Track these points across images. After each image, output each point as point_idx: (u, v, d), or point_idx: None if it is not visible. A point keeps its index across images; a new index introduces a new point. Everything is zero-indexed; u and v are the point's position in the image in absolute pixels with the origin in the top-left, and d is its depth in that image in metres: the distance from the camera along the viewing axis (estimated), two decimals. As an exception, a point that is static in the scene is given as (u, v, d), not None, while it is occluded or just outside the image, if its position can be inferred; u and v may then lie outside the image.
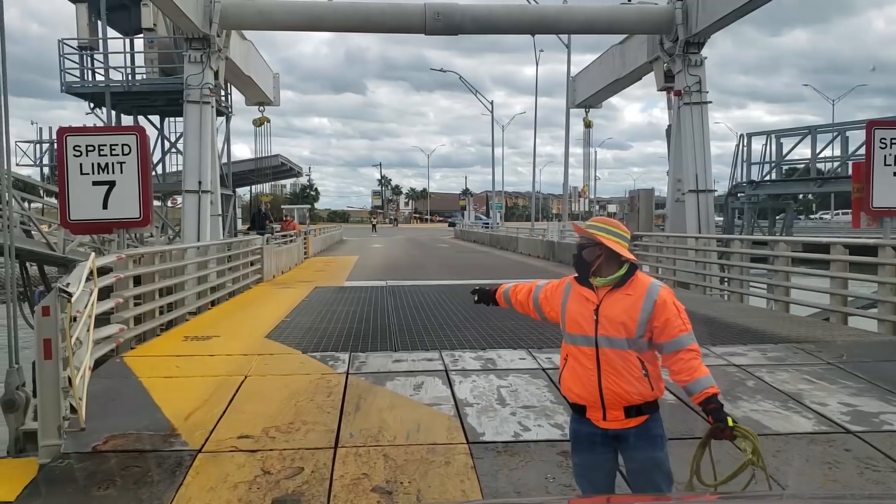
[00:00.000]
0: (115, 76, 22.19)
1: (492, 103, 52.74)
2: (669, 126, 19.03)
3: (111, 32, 23.07)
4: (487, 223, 60.56)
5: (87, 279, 6.15)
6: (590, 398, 3.26)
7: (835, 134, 23.39)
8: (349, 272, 20.97)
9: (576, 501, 3.63)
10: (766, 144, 24.82)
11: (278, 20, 17.23)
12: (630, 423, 3.22)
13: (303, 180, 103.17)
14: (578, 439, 3.37)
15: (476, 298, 4.02)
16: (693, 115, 16.87)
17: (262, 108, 24.86)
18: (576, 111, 29.99)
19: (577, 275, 3.42)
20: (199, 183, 15.75)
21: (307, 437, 5.50)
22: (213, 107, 16.61)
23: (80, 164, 8.85)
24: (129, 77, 22.31)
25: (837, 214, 49.36)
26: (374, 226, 75.96)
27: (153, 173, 18.03)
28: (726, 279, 15.10)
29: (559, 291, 3.49)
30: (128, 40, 23.52)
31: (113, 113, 21.79)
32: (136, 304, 9.30)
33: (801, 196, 34.42)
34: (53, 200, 14.44)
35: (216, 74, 16.47)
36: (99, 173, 8.89)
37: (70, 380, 5.16)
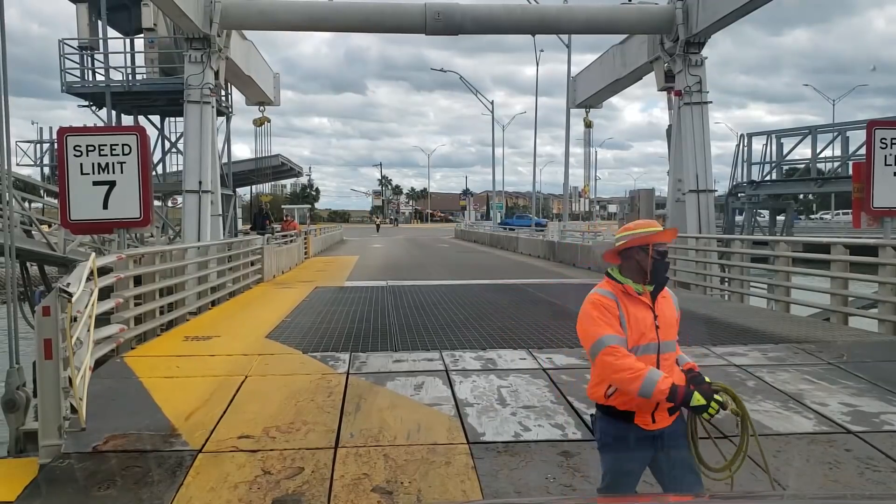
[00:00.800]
0: (116, 76, 22.21)
1: (492, 103, 53.07)
2: (670, 126, 19.03)
3: (111, 32, 23.11)
4: (544, 225, 43.69)
5: (88, 279, 6.15)
6: (645, 404, 3.20)
7: (835, 134, 23.36)
8: (349, 272, 20.98)
9: (577, 501, 3.63)
10: (766, 144, 24.82)
11: (279, 20, 17.25)
12: (670, 420, 3.27)
13: (303, 180, 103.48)
14: (618, 443, 3.32)
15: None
16: (693, 115, 16.89)
17: (262, 107, 24.90)
18: (576, 111, 30.02)
19: (611, 287, 3.29)
20: (200, 183, 15.78)
21: (307, 437, 5.50)
22: (213, 107, 16.63)
23: (81, 164, 8.86)
24: (130, 77, 22.31)
25: (838, 214, 49.39)
26: (377, 226, 77.23)
27: (153, 173, 18.07)
28: (727, 279, 15.10)
29: (615, 314, 3.25)
30: (128, 40, 23.52)
31: (113, 113, 21.80)
32: (136, 304, 9.30)
33: (801, 196, 34.43)
34: (54, 200, 14.44)
35: (216, 74, 16.50)
36: (99, 173, 8.89)
37: (70, 380, 5.15)
